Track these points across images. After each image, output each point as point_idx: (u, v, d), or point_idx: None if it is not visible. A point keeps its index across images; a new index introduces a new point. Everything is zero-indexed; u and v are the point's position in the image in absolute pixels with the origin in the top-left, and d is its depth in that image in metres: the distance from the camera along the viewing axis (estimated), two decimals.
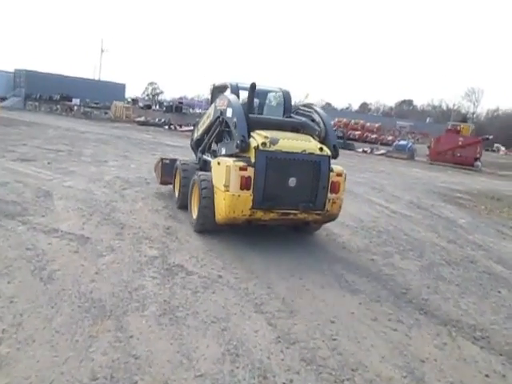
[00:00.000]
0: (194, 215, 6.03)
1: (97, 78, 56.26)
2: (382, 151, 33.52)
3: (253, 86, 6.01)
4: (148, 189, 8.79)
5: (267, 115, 6.67)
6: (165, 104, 49.01)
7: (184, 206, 6.71)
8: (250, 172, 5.10)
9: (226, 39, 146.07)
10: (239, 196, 5.10)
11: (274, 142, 5.23)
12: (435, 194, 13.46)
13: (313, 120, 6.05)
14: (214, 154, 6.55)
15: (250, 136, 5.38)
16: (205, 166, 6.72)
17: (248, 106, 6.07)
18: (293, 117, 6.52)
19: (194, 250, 5.27)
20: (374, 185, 13.86)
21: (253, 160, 5.16)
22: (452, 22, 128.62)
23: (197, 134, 7.49)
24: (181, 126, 34.18)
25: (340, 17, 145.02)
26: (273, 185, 5.20)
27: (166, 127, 34.73)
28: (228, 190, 5.11)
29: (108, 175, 9.94)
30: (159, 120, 37.89)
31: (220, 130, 6.24)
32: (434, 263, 6.02)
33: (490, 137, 33.60)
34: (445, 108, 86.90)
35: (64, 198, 7.20)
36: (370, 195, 11.45)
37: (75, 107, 39.97)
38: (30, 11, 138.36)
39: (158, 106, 52.53)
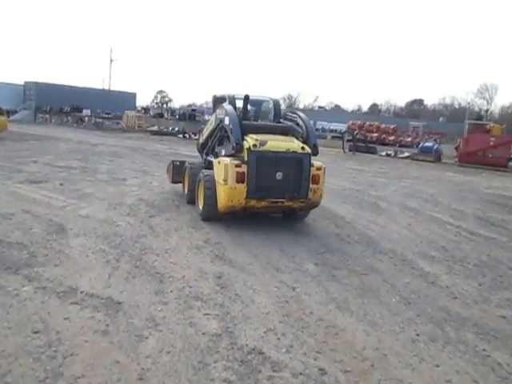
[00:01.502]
0: (200, 206, 7.12)
1: (107, 88, 55.37)
2: (406, 154, 31.83)
3: (246, 97, 7.24)
4: (179, 214, 7.34)
5: (261, 120, 7.85)
6: (177, 112, 47.77)
7: (192, 201, 7.72)
8: (244, 168, 6.20)
9: (234, 44, 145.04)
10: (235, 188, 6.19)
11: (263, 143, 6.34)
12: (492, 204, 11.83)
13: (297, 124, 7.20)
14: (216, 155, 7.42)
15: (243, 139, 6.44)
16: (209, 166, 7.41)
17: (242, 114, 7.21)
18: (282, 122, 7.61)
19: (266, 315, 3.78)
20: (422, 195, 12.29)
21: (246, 158, 6.26)
22: (462, 18, 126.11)
23: (202, 139, 8.57)
24: (195, 134, 32.78)
25: (348, 19, 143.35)
26: (263, 178, 6.28)
27: (180, 136, 33.48)
28: (227, 184, 6.21)
29: (129, 197, 8.52)
30: (172, 129, 36.67)
31: (220, 135, 7.38)
32: None
33: None
34: (457, 106, 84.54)
35: (81, 233, 5.77)
36: (429, 210, 9.90)
37: (86, 118, 38.87)
38: (37, 23, 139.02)
39: (169, 115, 51.29)
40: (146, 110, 52.96)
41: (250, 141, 6.38)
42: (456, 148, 32.41)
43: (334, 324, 3.72)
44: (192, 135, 32.68)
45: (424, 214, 9.28)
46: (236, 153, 6.40)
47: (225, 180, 6.22)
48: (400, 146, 42.79)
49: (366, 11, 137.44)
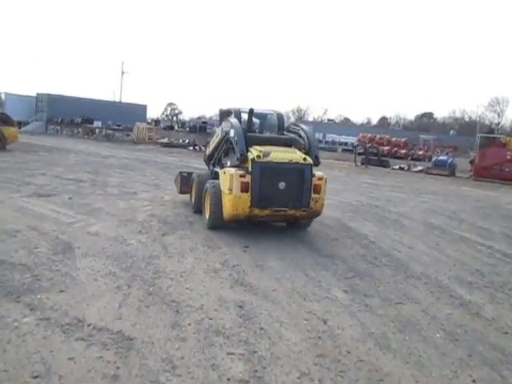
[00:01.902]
0: (207, 215, 7.31)
1: (117, 100, 55.62)
2: (420, 167, 31.21)
3: (251, 110, 7.59)
4: (193, 232, 6.90)
5: (266, 133, 8.05)
6: (187, 124, 47.65)
7: (199, 210, 7.94)
8: (248, 178, 6.41)
9: (243, 57, 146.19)
10: (240, 197, 6.38)
11: (266, 154, 6.53)
12: None
13: (300, 136, 7.45)
14: (222, 166, 7.61)
15: (247, 150, 6.69)
16: (216, 177, 7.62)
17: (247, 126, 7.47)
18: (285, 134, 7.86)
19: (298, 354, 3.31)
20: (444, 211, 11.74)
21: (250, 169, 6.47)
22: (473, 31, 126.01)
23: (208, 151, 8.88)
24: (205, 147, 32.65)
25: (357, 32, 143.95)
26: (266, 188, 6.49)
27: (191, 148, 33.27)
28: (231, 193, 6.40)
29: (141, 213, 8.12)
30: (183, 141, 36.48)
31: (226, 147, 7.61)
32: None
33: None
34: (467, 119, 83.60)
35: (90, 253, 5.35)
36: (455, 228, 9.36)
37: (97, 130, 38.90)
38: (50, 36, 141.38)
39: (179, 127, 51.21)
40: (156, 122, 53.05)
41: (254, 152, 6.63)
42: (471, 162, 31.78)
43: (377, 367, 3.24)
44: (202, 147, 32.45)
45: (451, 233, 8.75)
46: (240, 163, 6.66)
47: (230, 189, 6.46)
48: (412, 159, 42.16)
49: (375, 24, 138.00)
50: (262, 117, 8.31)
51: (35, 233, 6.12)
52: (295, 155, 6.78)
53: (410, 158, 43.64)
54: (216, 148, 8.20)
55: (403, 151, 48.12)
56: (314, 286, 4.89)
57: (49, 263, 4.87)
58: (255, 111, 7.71)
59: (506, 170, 26.83)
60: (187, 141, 36.27)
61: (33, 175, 11.88)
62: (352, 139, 56.49)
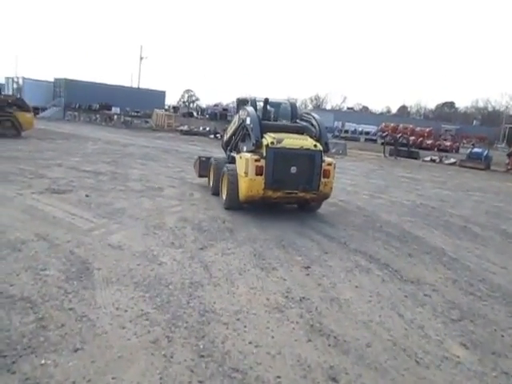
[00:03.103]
0: (224, 197, 7.79)
1: (135, 86, 54.43)
2: (453, 160, 29.36)
3: (266, 100, 8.18)
4: (237, 244, 5.62)
5: (280, 121, 8.43)
6: (207, 111, 46.20)
7: (216, 192, 8.39)
8: (262, 162, 6.92)
9: (263, 44, 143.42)
10: (255, 180, 6.92)
11: (279, 140, 7.03)
12: None
13: (311, 124, 7.86)
14: (238, 151, 7.95)
15: (262, 137, 7.16)
16: (233, 161, 8.01)
17: (262, 115, 7.96)
18: (298, 122, 8.25)
19: None
20: (508, 215, 10.30)
21: (264, 154, 6.96)
22: (496, 18, 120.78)
23: (226, 137, 9.33)
24: (223, 134, 31.25)
25: (379, 20, 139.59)
26: (279, 171, 6.95)
27: (212, 136, 31.92)
28: (247, 176, 6.94)
29: (170, 215, 6.88)
30: (203, 128, 35.17)
31: (243, 133, 7.97)
32: None
33: None
34: (491, 109, 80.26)
35: (113, 279, 4.10)
36: None
37: (115, 116, 37.76)
38: (68, 20, 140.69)
39: (198, 114, 49.80)
40: (175, 108, 51.75)
41: (268, 138, 7.04)
42: (509, 155, 29.93)
43: None
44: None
45: None
46: (256, 149, 7.06)
47: (246, 173, 6.92)
48: (438, 150, 40.34)
49: (397, 11, 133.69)
50: (276, 106, 8.71)
51: (45, 245, 4.91)
52: (306, 142, 7.20)
53: (436, 148, 41.77)
54: (233, 134, 8.61)
55: (429, 142, 46.10)
56: (419, 336, 3.56)
57: (60, 296, 3.63)
58: (270, 100, 8.27)
59: None
60: (207, 128, 34.97)
61: (47, 166, 10.74)
62: (372, 128, 54.44)
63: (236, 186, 7.27)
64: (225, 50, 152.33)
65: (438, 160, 29.51)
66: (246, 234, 6.14)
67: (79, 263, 4.44)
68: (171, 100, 75.03)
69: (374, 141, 47.80)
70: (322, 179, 7.15)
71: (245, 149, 7.62)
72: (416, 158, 29.51)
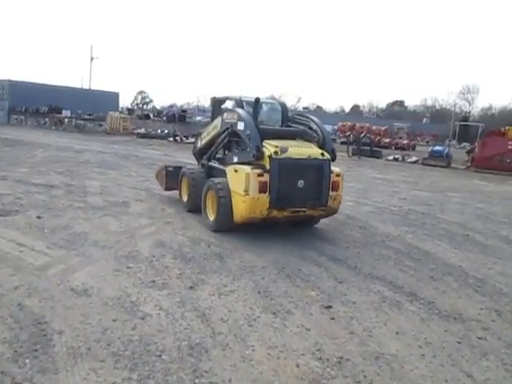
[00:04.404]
0: (212, 217, 6.48)
1: (86, 87, 51.60)
2: (415, 158, 29.57)
3: (257, 100, 6.78)
4: (233, 277, 4.57)
5: (267, 125, 7.00)
6: (164, 113, 44.33)
7: (195, 209, 7.11)
8: (266, 177, 5.77)
9: (215, 43, 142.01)
10: (258, 198, 5.75)
11: (284, 150, 5.91)
12: None
13: (310, 128, 6.75)
14: (221, 162, 7.04)
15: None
16: (211, 172, 7.21)
17: (253, 118, 6.47)
18: (290, 125, 7.13)
19: None
20: (496, 217, 9.90)
21: (268, 167, 5.79)
22: (444, 19, 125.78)
23: (200, 144, 7.95)
24: (187, 138, 29.75)
25: (329, 20, 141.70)
26: (285, 187, 5.89)
27: (171, 139, 30.40)
28: (248, 194, 5.72)
29: (143, 240, 5.73)
30: (162, 131, 33.54)
31: (228, 141, 6.82)
32: None
33: None
34: (438, 108, 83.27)
35: (81, 350, 2.95)
36: None
37: (66, 120, 35.31)
38: (11, 18, 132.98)
39: (155, 116, 47.76)
40: (130, 110, 49.54)
41: (269, 147, 5.95)
42: (468, 152, 30.52)
43: None
44: (184, 138, 29.73)
45: None
46: (256, 160, 5.90)
47: (245, 190, 5.75)
48: (396, 148, 40.79)
49: (347, 12, 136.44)
50: (263, 106, 7.41)
51: None
52: (313, 150, 6.22)
53: (393, 147, 42.21)
54: (211, 141, 7.41)
55: (387, 140, 46.61)
56: None
57: None
58: (249, 99, 7.07)
59: (508, 160, 25.48)
60: (166, 131, 33.37)
61: None
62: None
63: (229, 206, 6.07)
64: (176, 49, 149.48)
65: (400, 159, 29.60)
66: (239, 262, 5.11)
67: (32, 324, 3.25)
68: (125, 102, 72.07)
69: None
70: (331, 193, 6.22)
71: (235, 159, 6.44)
72: (379, 158, 29.45)
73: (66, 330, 3.21)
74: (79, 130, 32.47)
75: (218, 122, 7.11)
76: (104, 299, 3.80)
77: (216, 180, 6.51)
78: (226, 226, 6.18)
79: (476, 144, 28.44)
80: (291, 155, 5.93)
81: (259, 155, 5.86)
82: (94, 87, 48.64)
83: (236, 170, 6.10)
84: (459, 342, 3.53)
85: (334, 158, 6.38)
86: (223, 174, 6.53)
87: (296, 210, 6.08)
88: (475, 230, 8.05)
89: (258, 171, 5.78)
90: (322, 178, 6.13)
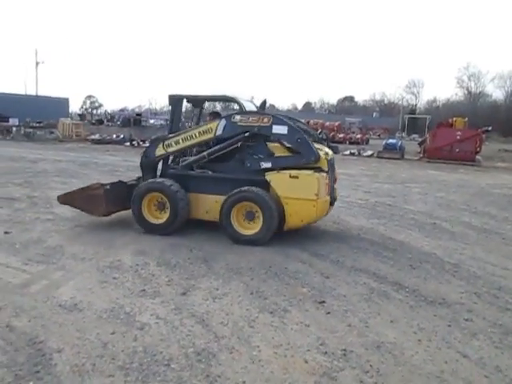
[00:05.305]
0: (250, 231, 5.97)
1: (31, 94, 49.40)
2: (370, 152, 30.59)
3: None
4: (222, 280, 4.57)
5: None
6: (118, 118, 43.19)
7: (179, 229, 6.31)
8: (327, 179, 6.08)
9: (162, 44, 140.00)
10: (326, 200, 6.16)
11: (320, 149, 6.11)
12: None
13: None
14: (210, 169, 6.50)
15: None
16: (185, 182, 6.41)
17: None
18: None
19: None
20: (456, 204, 10.44)
21: (326, 168, 6.04)
22: (388, 17, 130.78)
23: (166, 151, 6.63)
24: (144, 142, 29.18)
25: (279, 18, 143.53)
26: (332, 186, 6.42)
27: (127, 144, 29.72)
28: (318, 198, 5.81)
29: (122, 249, 5.61)
30: (117, 136, 32.68)
31: (241, 145, 6.22)
32: None
33: (490, 128, 31.35)
34: (387, 102, 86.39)
35: (85, 366, 2.86)
36: (498, 228, 7.88)
37: (14, 128, 33.67)
38: None
39: (107, 120, 46.43)
40: (81, 116, 47.91)
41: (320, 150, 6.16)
42: (420, 144, 31.82)
43: None
44: (141, 143, 29.12)
45: (509, 237, 7.20)
46: (315, 163, 5.93)
47: (316, 194, 5.81)
48: (350, 143, 41.80)
49: (297, 11, 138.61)
50: (245, 107, 6.97)
51: None
52: (327, 149, 6.63)
53: (348, 142, 43.24)
54: (197, 147, 6.65)
55: (341, 135, 47.66)
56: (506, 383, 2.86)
57: None
58: (235, 99, 7.13)
59: (457, 150, 26.83)
60: (122, 136, 32.55)
61: None
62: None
63: (278, 215, 5.81)
64: (123, 52, 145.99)
65: (356, 153, 30.44)
66: (224, 264, 5.10)
67: (27, 345, 3.11)
68: (74, 107, 69.55)
69: None
70: (335, 186, 6.79)
71: (264, 165, 6.01)
72: (336, 153, 29.94)
73: (65, 347, 3.10)
74: (29, 138, 31.00)
75: (213, 125, 6.21)
76: (97, 312, 3.69)
77: (257, 190, 5.90)
78: (270, 235, 5.91)
79: (427, 135, 29.71)
80: (330, 155, 6.40)
81: (319, 158, 5.90)
82: (41, 93, 46.71)
83: (295, 176, 5.82)
84: (449, 326, 3.72)
85: (336, 152, 6.89)
86: (224, 183, 6.18)
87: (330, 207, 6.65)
88: (441, 218, 8.45)
89: (324, 174, 5.99)
90: (334, 173, 6.70)
